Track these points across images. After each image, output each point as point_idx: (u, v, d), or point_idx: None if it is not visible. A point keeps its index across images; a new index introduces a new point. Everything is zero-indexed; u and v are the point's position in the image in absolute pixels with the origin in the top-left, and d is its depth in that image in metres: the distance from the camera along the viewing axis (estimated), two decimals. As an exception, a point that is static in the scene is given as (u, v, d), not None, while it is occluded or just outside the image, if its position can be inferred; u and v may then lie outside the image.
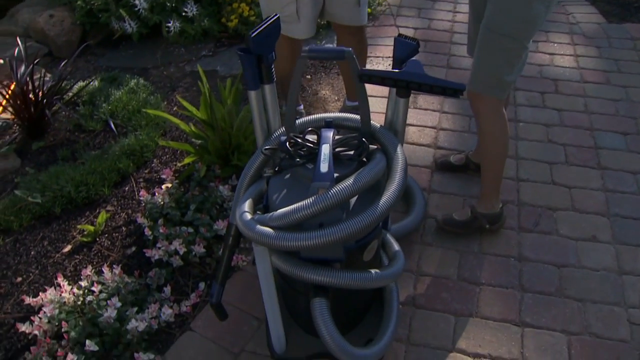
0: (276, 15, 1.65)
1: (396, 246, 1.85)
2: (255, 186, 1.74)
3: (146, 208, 2.38)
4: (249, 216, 1.58)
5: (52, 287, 2.12)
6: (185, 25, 3.51)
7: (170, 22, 3.48)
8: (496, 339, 2.01)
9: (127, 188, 2.64)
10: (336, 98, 3.15)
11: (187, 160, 2.61)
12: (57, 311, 2.02)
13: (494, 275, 2.22)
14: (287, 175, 1.69)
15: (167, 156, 2.80)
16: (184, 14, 3.48)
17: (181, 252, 2.21)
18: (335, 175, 1.56)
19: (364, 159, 1.68)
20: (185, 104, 2.61)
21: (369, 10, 3.76)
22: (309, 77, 3.36)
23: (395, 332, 1.82)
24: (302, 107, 2.93)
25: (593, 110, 3.08)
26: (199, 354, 2.01)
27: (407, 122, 2.93)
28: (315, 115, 1.77)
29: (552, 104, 3.11)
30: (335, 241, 1.45)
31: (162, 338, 2.08)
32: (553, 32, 3.77)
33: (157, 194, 2.41)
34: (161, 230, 2.26)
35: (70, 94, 3.05)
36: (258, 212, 1.66)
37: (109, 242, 2.40)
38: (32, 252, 2.38)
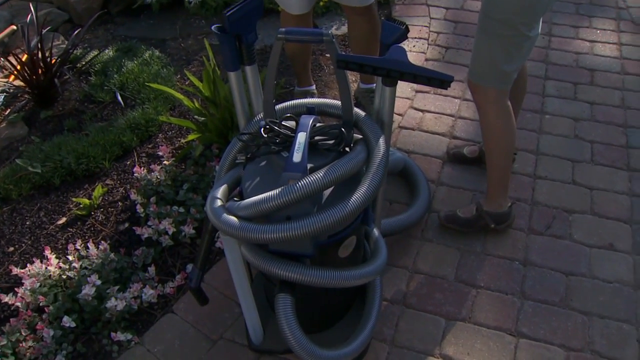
0: (257, -10, 1.54)
1: (381, 243, 1.73)
2: (234, 171, 1.65)
3: (140, 185, 2.33)
4: (218, 203, 1.50)
5: (40, 260, 2.11)
6: (206, -4, 3.44)
7: (191, -7, 3.41)
8: (487, 347, 1.88)
9: (128, 162, 2.60)
10: (353, 79, 3.01)
11: (190, 137, 2.54)
12: (38, 284, 2.01)
13: (494, 278, 2.08)
14: (263, 162, 1.59)
15: (173, 131, 2.74)
16: (205, -15, 3.39)
17: (170, 232, 2.16)
18: (310, 165, 1.46)
19: (346, 149, 1.57)
20: (192, 78, 2.54)
21: (399, -13, 3.58)
22: (328, 55, 3.22)
23: (371, 334, 1.72)
24: (314, 87, 2.81)
25: (630, 105, 2.84)
26: (176, 338, 1.96)
27: (425, 108, 2.81)
28: (297, 100, 1.67)
29: (584, 96, 2.89)
30: (302, 236, 1.36)
31: (143, 318, 2.04)
32: (597, 17, 3.49)
33: (153, 170, 2.36)
34: (152, 209, 2.21)
35: (83, 63, 3.01)
36: (236, 198, 1.57)
37: (104, 217, 2.37)
38: (27, 222, 2.38)
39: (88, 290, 1.94)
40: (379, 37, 2.69)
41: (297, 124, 1.52)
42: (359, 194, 1.42)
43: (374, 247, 1.71)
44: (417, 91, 2.91)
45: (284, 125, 1.57)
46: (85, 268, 2.06)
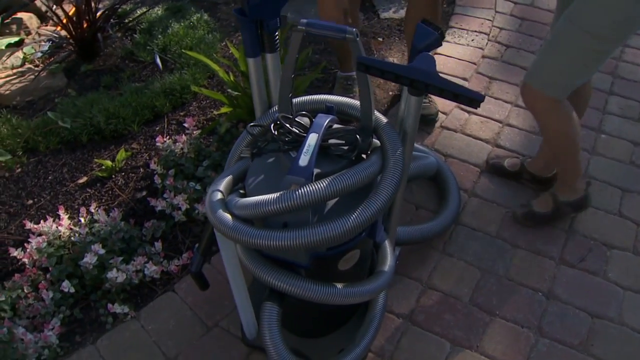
0: (285, -26, 1.41)
1: (388, 261, 1.61)
2: (242, 162, 1.56)
3: (162, 155, 2.28)
4: (218, 196, 1.42)
5: (53, 218, 2.10)
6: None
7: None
8: (490, 382, 1.76)
9: (157, 128, 2.55)
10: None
11: (222, 110, 2.47)
12: (44, 244, 2.00)
13: (512, 308, 1.93)
14: (272, 159, 1.50)
15: (207, 101, 2.67)
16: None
17: (183, 208, 2.11)
18: (317, 171, 1.36)
19: (363, 156, 1.45)
20: (232, 49, 2.45)
21: (467, -27, 3.34)
22: (380, 39, 3.06)
23: (365, 349, 1.62)
24: (354, 73, 2.66)
25: (702, 135, 2.57)
26: (172, 318, 1.92)
27: (471, 110, 2.62)
28: (316, 96, 1.55)
29: (651, 118, 2.64)
30: (295, 247, 1.27)
31: (144, 293, 2.01)
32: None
33: (178, 141, 2.30)
34: (168, 182, 2.16)
35: (130, 19, 2.97)
36: (242, 190, 1.49)
37: (123, 182, 2.34)
38: (50, 177, 2.38)
39: (89, 259, 1.91)
40: (440, 16, 2.49)
41: (311, 123, 1.41)
42: (362, 211, 1.30)
43: (380, 263, 1.61)
44: (466, 90, 2.72)
45: (297, 122, 1.47)
46: (92, 234, 2.04)
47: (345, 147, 1.42)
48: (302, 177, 1.30)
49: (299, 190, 1.26)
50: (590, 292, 1.98)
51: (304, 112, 1.48)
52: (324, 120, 1.40)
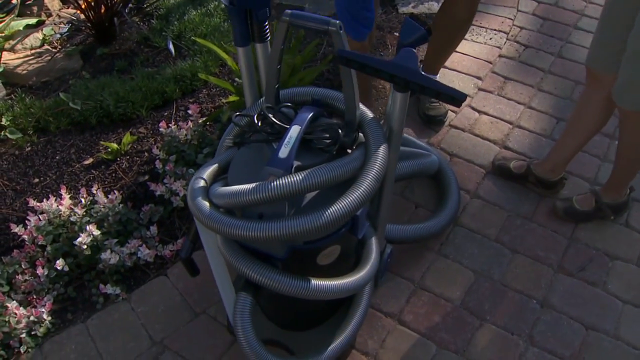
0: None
1: (372, 258, 1.59)
2: (230, 152, 1.56)
3: (165, 140, 2.29)
4: (200, 183, 1.42)
5: (55, 198, 2.14)
6: (285, -48, 3.29)
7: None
8: (473, 388, 1.73)
9: (166, 113, 2.57)
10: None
11: (231, 99, 2.47)
12: (43, 222, 2.04)
13: (504, 313, 1.89)
14: (256, 149, 1.49)
15: (217, 89, 2.67)
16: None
17: (181, 194, 2.13)
18: (297, 164, 1.35)
19: (348, 151, 1.44)
20: (243, 39, 2.44)
21: (491, -30, 3.26)
22: (396, 34, 3.02)
23: (345, 346, 1.61)
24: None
25: None
26: (161, 303, 1.95)
27: (482, 109, 2.58)
28: (305, 88, 1.53)
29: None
30: (269, 238, 1.26)
31: (137, 275, 2.04)
32: None
33: (182, 128, 2.31)
34: (168, 167, 2.18)
35: (147, 4, 3.00)
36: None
37: (127, 165, 2.37)
38: (57, 157, 2.42)
39: (83, 239, 1.94)
40: (466, 32, 2.43)
41: (295, 115, 1.40)
42: (338, 207, 1.29)
43: (363, 260, 1.59)
44: (480, 89, 2.67)
45: (282, 113, 1.46)
46: (90, 215, 2.07)
47: (328, 141, 1.41)
48: (280, 169, 1.29)
49: (274, 182, 1.26)
50: (587, 303, 1.92)
51: (288, 104, 1.47)
52: (308, 112, 1.39)
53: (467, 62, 2.79)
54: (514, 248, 2.07)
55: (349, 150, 1.44)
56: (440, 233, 2.07)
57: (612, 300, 1.93)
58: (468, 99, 2.62)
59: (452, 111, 2.55)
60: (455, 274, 2.00)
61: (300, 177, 1.27)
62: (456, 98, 1.23)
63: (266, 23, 1.47)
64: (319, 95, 1.50)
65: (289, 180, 1.26)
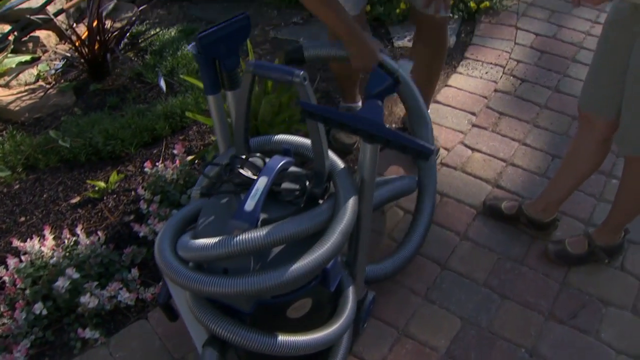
0: (244, 13, 1.38)
1: (347, 310, 1.54)
2: (203, 200, 1.53)
3: (150, 180, 2.27)
4: (169, 233, 1.40)
5: (38, 238, 2.12)
6: (281, -15, 3.31)
7: (265, -20, 3.30)
8: None
9: (155, 151, 2.56)
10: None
11: (215, 137, 2.45)
12: (24, 264, 2.02)
13: (491, 364, 1.82)
14: (226, 199, 1.46)
15: (207, 126, 2.66)
16: (280, -25, 3.26)
17: (164, 236, 2.10)
18: (263, 216, 1.32)
19: (319, 202, 1.40)
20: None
21: (486, 3, 3.24)
22: (391, 68, 2.99)
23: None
24: (360, 104, 2.60)
25: None
26: (140, 348, 1.90)
27: (476, 146, 2.53)
28: (276, 136, 1.50)
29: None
30: (232, 294, 1.23)
31: (117, 319, 2.00)
32: None
33: (168, 167, 2.29)
34: (151, 209, 2.15)
35: (141, 40, 3.01)
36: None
37: (114, 204, 2.35)
38: (45, 195, 2.41)
39: (62, 283, 1.91)
40: (444, 59, 2.43)
41: (264, 165, 1.37)
42: (304, 262, 1.25)
43: (338, 312, 1.54)
44: (474, 125, 2.62)
45: (251, 163, 1.43)
46: (70, 258, 2.04)
47: (297, 193, 1.37)
48: (245, 223, 1.26)
49: (238, 237, 1.23)
50: (579, 353, 1.84)
51: (257, 154, 1.44)
52: (277, 163, 1.36)
53: (462, 97, 2.76)
54: (503, 293, 2.01)
55: (321, 201, 1.41)
56: (417, 252, 2.02)
57: (605, 349, 1.85)
58: (461, 135, 2.57)
59: (445, 148, 2.51)
60: (442, 320, 1.94)
61: (265, 232, 1.24)
62: (423, 153, 1.20)
63: (236, 71, 1.44)
64: (289, 144, 1.48)
65: (253, 235, 1.23)
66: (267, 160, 1.44)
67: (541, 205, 2.13)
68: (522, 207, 2.16)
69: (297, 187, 1.36)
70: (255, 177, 1.35)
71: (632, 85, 1.63)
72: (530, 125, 2.62)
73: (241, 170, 1.38)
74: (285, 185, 1.38)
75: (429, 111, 2.49)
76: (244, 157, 1.43)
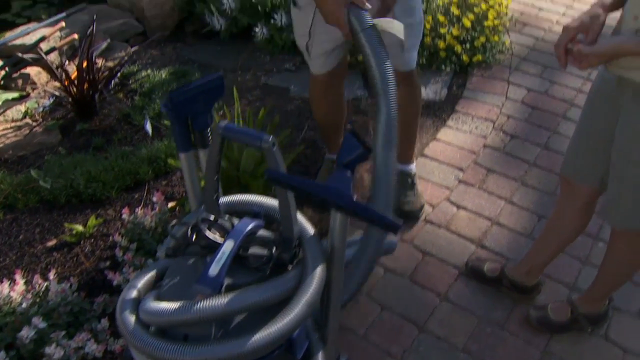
0: (218, 74, 1.37)
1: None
2: (169, 260, 1.49)
3: (127, 227, 2.23)
4: (132, 294, 1.35)
5: (8, 282, 2.07)
6: (274, 32, 3.31)
7: (258, 27, 3.31)
8: None
9: (136, 195, 2.53)
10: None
11: (202, 183, 2.42)
12: (-9, 311, 1.97)
13: None
14: (192, 260, 1.42)
15: (192, 171, 2.63)
16: (272, 21, 3.27)
17: (137, 286, 2.04)
18: (228, 282, 1.27)
19: (289, 267, 1.36)
20: (218, 120, 2.41)
21: (479, 57, 3.25)
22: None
23: None
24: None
25: None
26: (104, 405, 1.84)
27: (461, 204, 2.49)
28: (247, 197, 1.47)
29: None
30: None
31: (84, 371, 1.94)
32: None
33: (147, 214, 2.25)
34: (126, 257, 2.11)
35: (131, 81, 3.01)
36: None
37: (90, 249, 2.30)
38: (21, 236, 2.37)
39: (26, 332, 1.85)
40: (419, 108, 2.39)
41: (232, 228, 1.34)
42: (266, 332, 1.21)
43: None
44: (460, 181, 2.59)
45: (219, 224, 1.39)
46: (38, 305, 1.99)
47: (264, 258, 1.33)
48: (208, 288, 1.22)
49: (199, 303, 1.19)
50: None
51: (226, 216, 1.41)
52: (245, 226, 1.32)
53: (450, 152, 2.73)
54: (482, 359, 1.94)
55: (290, 266, 1.37)
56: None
57: None
58: (447, 191, 2.54)
59: (430, 204, 2.48)
60: (418, 387, 1.88)
61: (227, 299, 1.20)
62: (390, 227, 1.16)
63: (207, 130, 1.42)
64: (259, 206, 1.44)
65: (215, 302, 1.19)
66: (235, 222, 1.41)
67: (524, 269, 2.08)
68: (504, 269, 2.12)
69: (265, 253, 1.33)
70: (222, 241, 1.32)
71: (619, 159, 1.59)
72: (517, 183, 2.59)
73: (208, 233, 1.34)
74: (253, 250, 1.34)
75: (414, 165, 2.46)
76: (212, 218, 1.39)
